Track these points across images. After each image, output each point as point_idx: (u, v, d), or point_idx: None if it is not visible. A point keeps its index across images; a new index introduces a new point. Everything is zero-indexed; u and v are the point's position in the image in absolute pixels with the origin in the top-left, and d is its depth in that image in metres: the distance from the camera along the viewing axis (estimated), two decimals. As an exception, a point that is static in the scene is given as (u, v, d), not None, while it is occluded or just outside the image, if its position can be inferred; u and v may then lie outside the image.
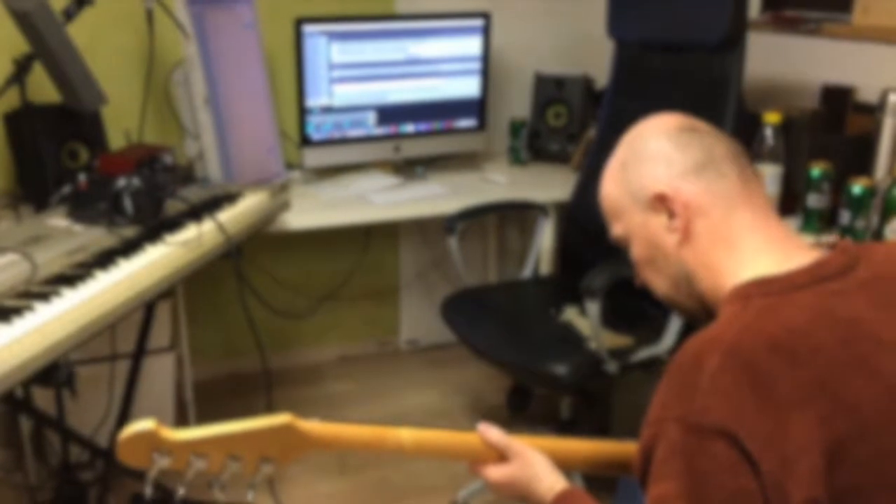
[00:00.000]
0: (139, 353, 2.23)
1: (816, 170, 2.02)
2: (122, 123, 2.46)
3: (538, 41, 3.03)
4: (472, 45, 2.73)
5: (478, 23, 2.71)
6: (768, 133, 2.15)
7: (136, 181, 1.82)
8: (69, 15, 1.97)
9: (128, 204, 1.81)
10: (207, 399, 2.67)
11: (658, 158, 1.04)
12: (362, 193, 2.52)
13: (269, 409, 2.65)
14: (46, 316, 1.41)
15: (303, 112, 2.54)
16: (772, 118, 2.13)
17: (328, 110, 2.58)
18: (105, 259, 1.65)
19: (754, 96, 2.61)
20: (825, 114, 2.30)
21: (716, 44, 2.08)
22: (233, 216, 1.97)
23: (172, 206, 1.95)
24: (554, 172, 2.82)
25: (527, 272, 2.48)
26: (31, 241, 1.71)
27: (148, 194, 1.84)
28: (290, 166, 2.65)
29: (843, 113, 2.36)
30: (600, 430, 2.39)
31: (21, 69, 1.91)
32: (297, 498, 2.32)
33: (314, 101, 2.55)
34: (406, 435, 1.07)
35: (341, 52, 2.55)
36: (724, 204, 1.02)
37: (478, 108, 2.81)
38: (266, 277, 2.85)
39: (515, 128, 2.86)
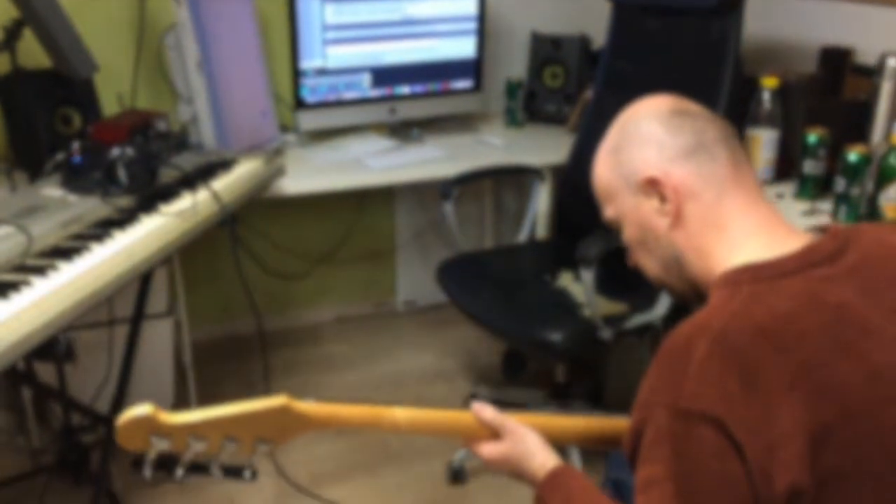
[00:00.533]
0: (137, 318, 2.24)
1: (813, 136, 2.01)
2: (114, 87, 2.45)
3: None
4: (467, 5, 2.70)
5: (473, -18, 2.68)
6: (765, 97, 2.14)
7: (129, 151, 1.81)
8: (57, -21, 1.94)
9: (122, 174, 1.81)
10: (206, 361, 2.70)
11: (650, 142, 1.04)
12: (358, 157, 2.51)
13: (266, 371, 2.69)
14: (43, 291, 1.42)
15: (297, 74, 2.52)
16: (769, 82, 2.11)
17: (322, 72, 2.56)
18: (101, 231, 1.65)
19: (753, 57, 2.59)
20: (823, 76, 2.28)
21: (713, 6, 2.05)
22: (227, 184, 1.97)
23: (167, 174, 1.95)
24: (550, 134, 2.81)
25: (522, 236, 2.48)
26: (26, 212, 1.71)
27: (142, 163, 1.84)
28: (284, 128, 2.64)
29: (841, 75, 2.35)
30: (594, 393, 2.42)
31: (10, 36, 1.89)
32: (295, 460, 2.36)
33: (308, 63, 2.53)
34: (401, 414, 1.09)
35: (335, 13, 2.51)
36: (714, 188, 1.02)
37: (474, 68, 2.79)
38: (262, 240, 2.86)
39: (512, 89, 2.84)
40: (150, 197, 1.83)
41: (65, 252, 1.56)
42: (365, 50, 2.60)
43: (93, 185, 1.81)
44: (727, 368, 0.86)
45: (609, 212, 1.12)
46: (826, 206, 1.99)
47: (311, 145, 2.63)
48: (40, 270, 1.48)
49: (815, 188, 2.04)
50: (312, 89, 2.56)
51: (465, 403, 2.57)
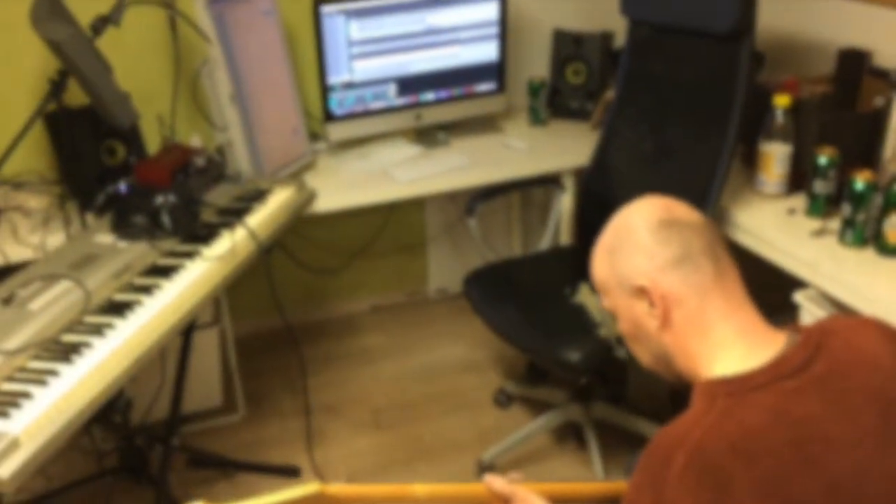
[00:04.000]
0: (188, 331, 2.41)
1: (823, 158, 2.07)
2: (155, 108, 2.57)
3: (557, -6, 3.03)
4: (489, 11, 2.75)
5: (494, -12, 2.73)
6: (778, 113, 2.19)
7: (172, 198, 1.95)
8: (96, 30, 2.05)
9: (166, 220, 1.95)
10: (248, 356, 2.87)
11: (640, 251, 1.15)
12: (385, 167, 2.61)
13: (303, 368, 2.85)
14: (104, 352, 1.58)
15: (325, 90, 2.62)
16: (781, 101, 2.17)
17: (349, 86, 2.65)
18: (150, 282, 1.80)
19: (771, 56, 2.62)
20: (836, 90, 2.32)
21: (725, 33, 2.09)
22: (263, 218, 2.10)
23: (206, 211, 2.09)
24: (573, 131, 2.88)
25: (545, 243, 2.59)
26: (82, 263, 1.86)
27: (184, 208, 1.97)
28: (314, 136, 2.75)
29: (858, 77, 2.38)
30: (616, 394, 2.55)
31: (57, 88, 2.01)
32: (334, 455, 2.54)
33: (336, 78, 2.62)
34: (420, 489, 1.23)
35: (360, 29, 2.59)
36: (698, 295, 1.12)
37: (497, 71, 2.85)
38: (301, 239, 3.00)
39: (534, 88, 2.90)
40: (193, 237, 1.98)
41: (119, 308, 1.71)
42: (390, 62, 2.68)
43: (140, 231, 1.96)
44: (702, 480, 0.99)
45: (606, 303, 1.24)
46: (835, 224, 2.05)
47: (341, 153, 2.74)
48: (98, 330, 1.64)
49: (825, 206, 2.11)
50: (340, 102, 2.65)
51: (494, 398, 2.73)
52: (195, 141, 2.54)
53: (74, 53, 1.88)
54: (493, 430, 2.60)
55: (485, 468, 2.41)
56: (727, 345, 1.11)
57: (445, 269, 3.33)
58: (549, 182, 2.59)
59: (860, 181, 1.92)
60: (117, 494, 2.39)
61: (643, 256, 1.15)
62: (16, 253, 2.11)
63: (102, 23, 2.03)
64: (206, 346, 2.60)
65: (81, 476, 2.40)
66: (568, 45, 2.93)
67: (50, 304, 1.70)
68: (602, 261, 1.21)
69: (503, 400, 2.71)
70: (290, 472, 2.47)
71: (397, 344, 3.09)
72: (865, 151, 2.16)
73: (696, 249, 1.13)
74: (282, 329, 3.07)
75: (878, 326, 1.15)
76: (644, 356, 1.22)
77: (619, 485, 1.31)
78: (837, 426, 1.02)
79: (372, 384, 2.88)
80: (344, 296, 3.25)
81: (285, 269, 2.99)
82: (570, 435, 2.53)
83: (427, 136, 2.83)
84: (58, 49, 1.90)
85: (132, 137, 2.26)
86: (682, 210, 1.18)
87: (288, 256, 2.97)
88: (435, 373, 2.92)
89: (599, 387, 2.46)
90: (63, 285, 1.77)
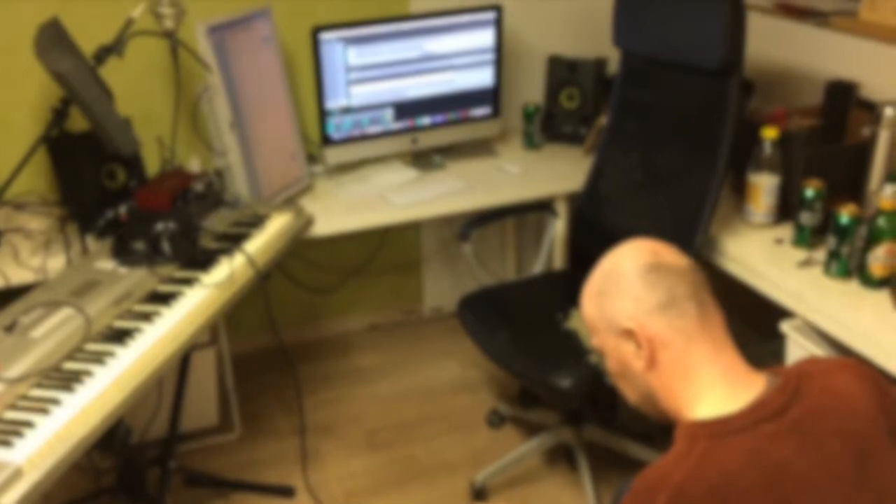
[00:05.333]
0: (186, 353, 2.44)
1: (810, 190, 2.12)
2: (155, 130, 2.60)
3: (551, 20, 3.07)
4: (485, 38, 2.80)
5: (490, 16, 2.78)
6: (766, 145, 2.24)
7: (171, 224, 1.99)
8: (99, 59, 2.09)
9: (166, 246, 1.99)
10: (244, 375, 2.89)
11: (628, 295, 1.19)
12: (382, 191, 2.65)
13: (298, 388, 2.89)
14: (104, 381, 1.61)
15: (323, 114, 2.66)
16: (769, 133, 2.22)
17: (347, 111, 2.69)
18: (149, 309, 1.84)
19: (761, 87, 2.67)
20: (824, 124, 2.37)
21: (712, 69, 2.14)
22: (261, 245, 2.14)
23: (205, 237, 2.13)
24: (567, 156, 2.92)
25: (538, 268, 2.63)
26: (83, 289, 1.90)
27: (184, 234, 2.01)
28: (312, 158, 2.79)
29: (846, 109, 2.43)
30: (608, 416, 2.59)
31: (59, 116, 2.05)
32: (329, 475, 2.57)
33: (333, 103, 2.66)
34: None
35: (357, 56, 2.64)
36: (683, 339, 1.17)
37: (492, 96, 2.90)
38: (296, 258, 3.03)
39: (529, 113, 2.95)
40: (192, 263, 2.02)
41: (119, 335, 1.75)
42: (387, 87, 2.73)
43: (140, 257, 1.99)
44: (682, 522, 1.03)
45: (595, 342, 1.28)
46: (821, 254, 2.09)
47: (338, 177, 2.77)
48: (99, 358, 1.67)
49: (811, 237, 2.16)
50: (338, 126, 2.70)
51: (487, 419, 2.77)
52: (194, 163, 2.57)
53: (78, 84, 1.92)
54: (486, 451, 2.63)
55: (477, 490, 2.44)
56: (710, 388, 1.15)
57: (440, 288, 3.37)
58: (542, 208, 2.63)
59: (845, 215, 1.97)
60: (113, 514, 2.42)
61: (630, 300, 1.19)
62: (17, 275, 2.15)
63: (105, 52, 2.07)
64: (203, 366, 2.64)
65: (79, 495, 2.43)
66: (562, 71, 2.98)
67: (51, 332, 1.74)
68: (591, 302, 1.26)
69: (496, 421, 2.75)
70: (285, 493, 2.50)
71: (392, 363, 3.13)
72: (852, 183, 2.21)
73: (681, 294, 1.18)
74: (278, 348, 3.11)
75: (856, 369, 1.19)
76: (630, 394, 1.26)
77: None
78: (813, 470, 1.07)
79: (367, 404, 2.91)
80: (340, 314, 3.29)
81: (281, 289, 3.02)
82: (561, 457, 2.57)
83: (423, 159, 2.87)
84: (61, 79, 1.94)
85: (133, 163, 2.30)
86: (669, 254, 1.22)
87: (284, 276, 3.01)
88: (429, 393, 2.95)
89: (591, 410, 2.50)
90: (64, 312, 1.80)
